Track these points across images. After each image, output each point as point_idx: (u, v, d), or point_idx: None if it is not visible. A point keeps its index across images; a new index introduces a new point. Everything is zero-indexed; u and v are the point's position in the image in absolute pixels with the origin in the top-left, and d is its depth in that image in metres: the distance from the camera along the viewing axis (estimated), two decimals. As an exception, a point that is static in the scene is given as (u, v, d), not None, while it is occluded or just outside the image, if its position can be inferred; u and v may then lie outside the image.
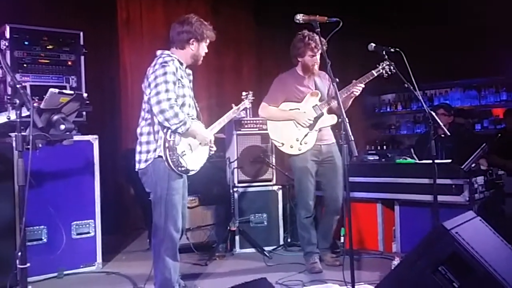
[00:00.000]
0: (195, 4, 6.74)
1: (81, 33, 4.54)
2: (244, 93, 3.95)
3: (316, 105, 4.20)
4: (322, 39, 4.00)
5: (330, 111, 4.25)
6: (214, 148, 3.55)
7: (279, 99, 4.27)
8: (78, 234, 4.29)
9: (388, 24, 7.30)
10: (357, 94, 4.14)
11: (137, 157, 3.35)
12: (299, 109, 4.22)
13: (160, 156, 3.22)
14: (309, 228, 4.29)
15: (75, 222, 4.28)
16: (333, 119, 4.19)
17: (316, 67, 4.21)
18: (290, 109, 4.24)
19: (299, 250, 4.59)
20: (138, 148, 3.35)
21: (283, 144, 4.25)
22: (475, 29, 6.73)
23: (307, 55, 4.17)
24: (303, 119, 4.16)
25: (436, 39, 7.20)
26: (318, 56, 4.15)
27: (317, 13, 3.26)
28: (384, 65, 4.02)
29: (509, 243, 3.03)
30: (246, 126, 5.07)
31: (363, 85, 4.10)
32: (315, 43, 4.06)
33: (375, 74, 4.08)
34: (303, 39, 4.14)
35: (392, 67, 3.97)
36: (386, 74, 4.07)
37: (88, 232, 4.34)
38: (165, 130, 3.20)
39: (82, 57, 4.51)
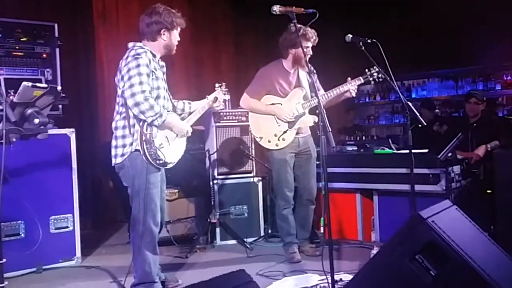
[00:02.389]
0: (171, -7, 6.67)
1: (56, 25, 4.48)
2: (217, 85, 3.87)
3: (299, 103, 4.20)
4: (312, 30, 4.03)
5: (311, 111, 4.26)
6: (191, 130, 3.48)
7: (261, 92, 4.25)
8: (56, 228, 4.24)
9: (365, 15, 7.33)
10: (350, 96, 4.16)
11: (113, 152, 3.31)
12: (281, 104, 4.21)
13: (137, 150, 3.19)
14: (288, 219, 4.31)
15: (53, 217, 4.23)
16: (313, 120, 4.19)
17: (307, 58, 4.16)
18: (272, 103, 4.23)
19: (280, 241, 4.61)
20: (113, 143, 3.30)
21: (261, 138, 4.27)
22: (451, 19, 6.78)
23: (302, 46, 4.14)
24: (283, 115, 4.17)
25: (413, 30, 7.25)
26: (309, 48, 4.13)
27: (293, 5, 3.25)
28: (373, 71, 4.04)
29: (485, 232, 3.09)
30: (225, 118, 5.06)
31: (353, 88, 4.11)
32: (304, 34, 4.04)
33: (362, 81, 4.12)
34: (298, 30, 4.10)
35: (380, 74, 3.98)
36: (373, 82, 4.11)
37: (67, 227, 4.30)
38: (141, 123, 3.16)
39: (57, 49, 4.46)
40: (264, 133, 4.25)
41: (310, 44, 4.12)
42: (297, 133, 4.24)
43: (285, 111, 4.18)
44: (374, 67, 3.97)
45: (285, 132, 4.20)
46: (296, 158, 4.31)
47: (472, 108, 5.15)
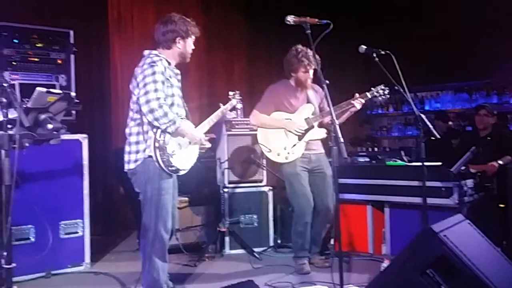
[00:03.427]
0: (186, 4, 6.72)
1: (71, 32, 4.51)
2: (231, 93, 3.92)
3: (309, 117, 4.23)
4: (316, 56, 4.04)
5: (320, 125, 4.28)
6: (208, 145, 3.52)
7: (271, 108, 4.29)
8: (66, 234, 4.25)
9: (380, 26, 7.32)
10: (355, 110, 4.16)
11: (126, 158, 3.33)
12: (291, 119, 4.24)
13: (150, 156, 3.20)
14: (304, 235, 4.27)
15: (63, 222, 4.24)
16: (322, 133, 4.22)
17: (309, 81, 4.21)
18: (282, 118, 4.26)
19: (289, 251, 4.59)
20: (127, 149, 3.33)
21: (270, 150, 4.28)
22: (466, 32, 6.75)
23: (300, 71, 4.19)
24: (294, 128, 4.19)
25: (427, 42, 7.23)
26: (311, 72, 4.15)
27: (307, 15, 3.25)
28: (379, 89, 4.07)
29: (497, 246, 3.05)
30: (237, 126, 5.06)
31: (359, 104, 4.11)
32: (308, 60, 4.07)
33: (369, 96, 4.14)
34: (297, 56, 4.15)
35: (386, 92, 4.01)
36: (380, 98, 4.14)
37: (77, 232, 4.31)
38: (154, 130, 3.18)
39: (72, 56, 4.48)
40: (274, 146, 4.26)
41: (308, 69, 4.12)
42: (309, 149, 4.25)
43: (296, 124, 4.19)
44: (382, 85, 3.97)
45: (294, 145, 4.21)
46: (310, 176, 4.30)
47: (482, 119, 5.10)
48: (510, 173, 4.19)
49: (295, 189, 4.25)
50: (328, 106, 3.22)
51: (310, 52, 4.04)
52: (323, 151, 4.35)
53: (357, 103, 4.11)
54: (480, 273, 2.42)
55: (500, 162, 4.77)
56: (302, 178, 4.24)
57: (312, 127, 4.22)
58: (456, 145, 5.84)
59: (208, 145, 3.52)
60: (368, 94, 4.15)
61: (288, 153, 4.21)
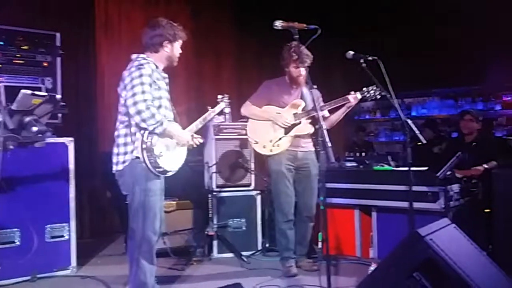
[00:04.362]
0: (175, 8, 6.72)
1: (58, 34, 4.48)
2: (220, 96, 3.94)
3: (297, 112, 4.24)
4: (308, 52, 4.06)
5: (313, 123, 4.27)
6: (199, 141, 3.54)
7: (263, 101, 4.33)
8: (52, 237, 4.21)
9: (368, 33, 7.37)
10: (350, 105, 4.17)
11: (114, 159, 3.34)
12: (280, 113, 4.26)
13: (137, 157, 3.22)
14: (287, 234, 4.29)
15: (49, 226, 4.20)
16: (309, 128, 4.22)
17: (302, 79, 4.21)
18: (271, 111, 4.29)
19: (277, 255, 4.58)
20: (115, 150, 3.34)
21: (257, 142, 4.32)
22: (453, 40, 6.83)
23: (291, 67, 4.21)
24: (281, 121, 4.21)
25: (414, 48, 7.29)
26: (302, 69, 4.16)
27: (296, 20, 3.27)
28: (370, 89, 4.07)
29: (483, 250, 3.07)
30: (225, 131, 5.06)
31: (354, 99, 4.14)
32: (297, 56, 4.08)
33: (359, 97, 4.15)
34: (289, 50, 4.16)
35: (378, 93, 4.02)
36: (370, 99, 4.15)
37: (63, 236, 4.27)
38: (142, 132, 3.20)
39: (59, 59, 4.45)
40: (260, 138, 4.30)
41: (298, 65, 4.13)
42: (296, 146, 4.26)
43: (282, 117, 4.21)
44: (374, 85, 3.97)
45: (280, 139, 4.23)
46: (296, 173, 4.32)
47: (466, 125, 5.15)
48: (495, 178, 4.23)
49: (278, 187, 4.28)
50: (315, 109, 3.24)
51: (303, 49, 4.05)
52: (312, 149, 4.35)
53: (352, 97, 4.12)
54: (466, 277, 2.44)
55: (486, 166, 4.81)
56: (286, 176, 4.26)
57: (299, 122, 4.24)
58: (440, 151, 5.89)
59: (198, 142, 3.54)
60: (359, 93, 4.14)
61: (273, 146, 4.24)
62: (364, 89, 4.11)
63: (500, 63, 6.65)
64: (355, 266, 4.52)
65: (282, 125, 4.22)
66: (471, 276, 2.45)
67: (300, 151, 4.29)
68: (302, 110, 4.25)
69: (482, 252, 2.99)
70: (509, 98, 7.21)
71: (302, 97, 4.31)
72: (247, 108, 4.36)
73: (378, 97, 4.08)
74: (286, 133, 4.24)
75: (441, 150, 6.09)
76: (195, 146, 3.55)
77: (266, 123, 4.29)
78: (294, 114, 4.25)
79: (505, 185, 4.15)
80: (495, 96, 7.33)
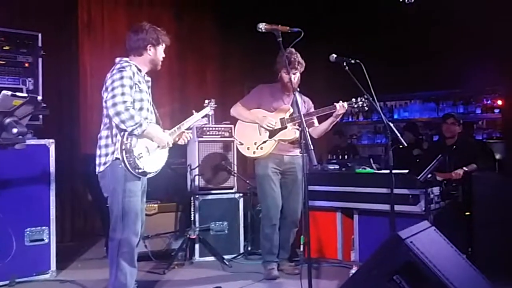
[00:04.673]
0: (158, 10, 6.68)
1: (40, 35, 4.44)
2: (206, 101, 3.95)
3: (284, 118, 4.25)
4: (301, 59, 4.07)
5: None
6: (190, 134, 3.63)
7: (253, 104, 4.35)
8: (31, 241, 4.16)
9: (351, 35, 7.41)
10: (338, 114, 4.17)
11: (97, 161, 3.37)
12: (266, 116, 4.28)
13: (117, 159, 3.24)
14: (272, 238, 4.29)
15: (28, 229, 4.15)
16: (295, 134, 4.21)
17: (292, 85, 4.13)
18: (258, 114, 4.30)
19: (259, 258, 4.59)
20: (97, 152, 3.38)
21: (242, 144, 4.34)
22: (435, 43, 6.90)
23: (282, 72, 4.21)
24: (266, 122, 4.22)
25: (396, 51, 7.35)
26: (293, 76, 4.16)
27: (279, 23, 3.28)
28: (359, 100, 4.06)
29: (462, 254, 3.11)
30: (208, 133, 5.05)
31: (342, 108, 4.13)
32: (289, 62, 4.08)
33: (346, 107, 4.13)
34: (281, 55, 4.13)
35: (366, 104, 4.02)
36: (357, 109, 4.15)
37: (42, 239, 4.22)
38: (122, 133, 3.22)
39: (40, 59, 4.41)
40: (245, 140, 4.32)
41: (288, 71, 4.12)
42: (283, 150, 4.28)
43: (267, 119, 4.23)
44: (364, 96, 3.97)
45: (264, 142, 4.24)
46: (282, 177, 4.33)
47: (449, 128, 5.21)
48: (475, 181, 4.29)
49: (264, 191, 4.28)
50: (299, 112, 3.26)
51: (296, 56, 4.11)
52: (299, 154, 4.35)
53: (340, 105, 4.11)
54: (446, 280, 2.47)
55: (465, 169, 4.87)
56: (272, 180, 4.27)
57: (285, 127, 4.25)
58: (420, 153, 5.95)
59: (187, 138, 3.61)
60: (346, 103, 4.12)
61: (257, 148, 4.25)
62: (353, 99, 4.10)
63: (480, 67, 6.74)
64: (337, 269, 4.53)
65: (266, 127, 4.23)
66: (450, 279, 2.47)
67: (286, 155, 4.30)
68: (290, 115, 4.26)
69: (461, 255, 3.02)
70: (489, 102, 7.30)
71: (293, 104, 4.32)
72: (236, 109, 4.39)
73: (366, 109, 4.08)
74: (270, 136, 4.25)
75: (421, 152, 6.15)
76: (182, 143, 3.62)
77: (252, 125, 4.31)
78: (281, 119, 4.26)
79: (485, 188, 4.21)
80: (476, 100, 7.40)
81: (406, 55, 7.23)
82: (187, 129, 3.65)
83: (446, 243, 3.00)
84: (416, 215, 4.15)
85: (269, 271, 4.21)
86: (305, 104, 4.43)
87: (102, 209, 4.33)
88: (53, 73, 5.44)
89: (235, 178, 5.12)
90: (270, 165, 4.26)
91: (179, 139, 3.62)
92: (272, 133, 4.25)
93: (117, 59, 3.41)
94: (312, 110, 4.39)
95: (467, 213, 4.42)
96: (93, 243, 5.54)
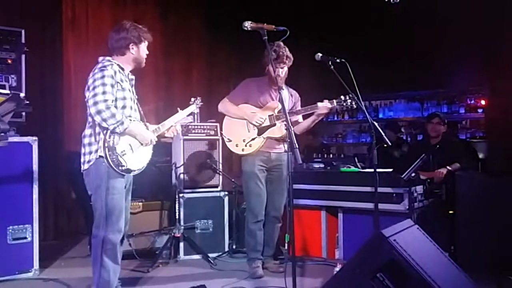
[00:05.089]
0: (143, 7, 6.63)
1: (23, 31, 4.39)
2: (192, 99, 3.94)
3: (272, 114, 4.25)
4: (289, 53, 4.07)
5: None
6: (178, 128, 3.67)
7: (241, 100, 4.34)
8: (14, 239, 4.11)
9: (336, 35, 7.44)
10: (320, 113, 4.18)
11: (82, 159, 3.38)
12: (255, 112, 4.27)
13: (101, 156, 3.25)
14: (256, 234, 4.30)
15: (11, 227, 4.10)
16: (283, 131, 4.21)
17: (280, 80, 4.15)
18: (247, 110, 4.30)
19: (244, 256, 4.59)
20: (82, 150, 3.39)
21: (230, 140, 4.33)
22: (420, 43, 6.95)
23: (269, 65, 4.20)
24: (254, 119, 4.22)
25: (381, 51, 7.39)
26: (280, 70, 4.16)
27: (265, 22, 3.28)
28: (347, 98, 4.04)
29: (445, 252, 3.14)
30: (193, 131, 5.03)
31: (325, 108, 4.13)
32: (277, 56, 4.08)
33: (335, 104, 4.12)
34: (269, 49, 4.12)
35: (353, 103, 4.01)
36: (345, 108, 4.15)
37: (25, 238, 4.17)
38: (104, 131, 3.25)
39: (23, 56, 4.36)
40: (234, 137, 4.31)
41: (275, 65, 4.12)
42: (270, 148, 4.28)
43: (256, 116, 4.22)
44: (349, 95, 3.97)
45: (253, 139, 4.24)
46: (268, 174, 4.33)
47: (434, 127, 5.26)
48: (459, 180, 4.33)
49: (250, 187, 4.29)
50: (284, 111, 3.26)
51: (284, 50, 4.10)
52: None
53: (323, 105, 4.11)
54: (428, 277, 2.49)
55: (449, 168, 4.92)
56: (259, 177, 4.27)
57: (274, 124, 4.25)
58: (406, 153, 5.99)
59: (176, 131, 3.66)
60: (334, 101, 4.11)
61: (245, 145, 4.24)
62: (342, 97, 4.07)
63: (464, 68, 6.81)
64: (321, 267, 4.55)
65: (255, 124, 4.23)
66: (432, 277, 2.50)
67: (274, 152, 4.30)
68: (278, 112, 4.26)
69: (444, 253, 3.05)
70: (473, 102, 7.39)
71: (280, 99, 4.30)
72: (224, 105, 4.37)
73: (354, 107, 4.08)
74: (259, 134, 4.25)
75: (402, 153, 6.19)
76: (171, 135, 3.66)
77: (241, 122, 4.30)
78: (269, 115, 4.26)
79: (468, 187, 4.25)
80: (460, 100, 7.49)
81: (391, 55, 7.29)
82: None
83: (429, 241, 3.02)
84: (399, 214, 4.18)
85: (254, 270, 4.21)
86: (292, 97, 4.41)
87: (85, 207, 4.30)
88: (37, 70, 5.40)
89: (220, 176, 5.11)
90: (257, 163, 4.26)
91: (167, 131, 3.63)
92: (261, 130, 4.24)
93: (100, 58, 3.42)
94: (299, 103, 4.39)
95: (450, 212, 4.46)
96: (76, 241, 5.50)
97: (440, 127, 5.24)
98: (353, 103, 4.02)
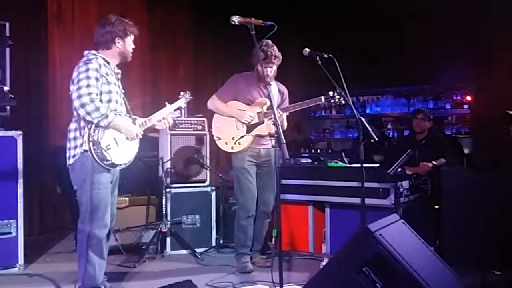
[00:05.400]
0: (130, 1, 6.55)
1: (7, 24, 4.34)
2: (182, 93, 3.91)
3: (261, 112, 4.24)
4: (278, 53, 4.06)
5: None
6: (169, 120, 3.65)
7: (229, 97, 4.32)
8: (-2, 234, 4.08)
9: (324, 30, 7.45)
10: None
11: (67, 154, 3.37)
12: (244, 110, 4.26)
13: (86, 151, 3.24)
14: (247, 229, 4.30)
15: (-5, 222, 4.07)
16: (271, 128, 4.20)
17: (268, 79, 4.10)
18: (237, 108, 4.28)
19: (231, 251, 4.59)
20: (67, 145, 3.37)
21: (220, 138, 4.31)
22: (406, 40, 6.99)
23: (258, 64, 4.19)
24: (243, 117, 4.21)
25: (369, 47, 7.42)
26: (269, 70, 4.15)
27: (253, 16, 3.27)
28: (335, 94, 4.04)
29: (430, 246, 3.17)
30: (180, 126, 5.01)
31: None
32: (265, 55, 4.08)
33: (323, 101, 4.12)
34: (258, 48, 4.09)
35: (342, 99, 4.01)
36: (334, 104, 4.15)
37: (10, 233, 4.14)
38: (89, 125, 3.23)
39: (8, 49, 4.31)
40: (223, 135, 4.30)
41: (263, 64, 4.09)
42: (260, 144, 4.28)
43: (246, 114, 4.22)
44: (337, 90, 3.97)
45: (242, 137, 4.23)
46: (258, 169, 4.34)
47: (419, 123, 5.29)
48: (444, 175, 4.37)
49: (241, 183, 4.28)
50: (272, 108, 3.26)
51: (273, 49, 4.10)
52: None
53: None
54: (414, 271, 2.51)
55: (434, 163, 4.95)
56: (249, 172, 4.27)
57: (262, 122, 4.24)
58: (392, 148, 6.03)
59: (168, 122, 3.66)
60: (322, 98, 4.10)
61: (235, 143, 4.24)
62: (330, 93, 4.07)
63: (451, 64, 6.87)
64: (308, 261, 4.57)
65: (244, 122, 4.22)
66: (418, 271, 2.52)
67: (263, 148, 4.30)
68: (267, 109, 4.25)
69: (429, 248, 3.08)
70: (459, 98, 7.45)
71: (269, 96, 4.29)
72: (213, 102, 4.35)
73: (343, 102, 4.07)
74: (248, 132, 4.24)
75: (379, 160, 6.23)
76: (163, 127, 3.66)
77: (230, 119, 4.29)
78: (258, 113, 4.25)
79: (453, 182, 4.30)
80: (446, 96, 7.55)
81: (378, 51, 7.32)
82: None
83: (414, 236, 3.05)
84: (386, 208, 4.21)
85: (244, 265, 4.21)
86: (281, 93, 4.40)
87: (71, 202, 4.27)
88: (21, 64, 5.34)
89: (208, 171, 5.10)
90: (247, 158, 4.26)
91: (159, 123, 3.62)
92: (250, 128, 4.24)
93: (85, 52, 3.40)
94: (287, 99, 4.38)
95: (435, 207, 4.50)
96: (62, 236, 5.47)
97: (424, 123, 5.28)
98: (341, 99, 4.02)
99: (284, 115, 4.29)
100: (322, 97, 4.12)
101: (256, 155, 4.29)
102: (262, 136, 4.27)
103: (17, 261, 4.17)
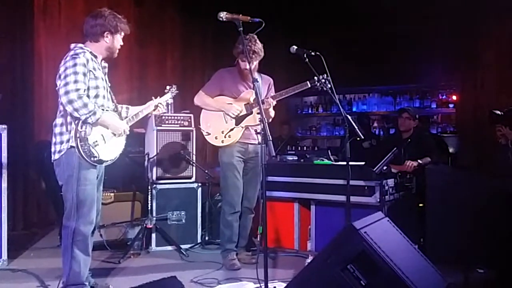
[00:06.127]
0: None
1: (-8, 17, 4.28)
2: (168, 87, 3.89)
3: (248, 103, 4.24)
4: (257, 48, 4.04)
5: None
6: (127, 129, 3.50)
7: (215, 91, 4.31)
8: (-19, 229, 4.04)
9: (312, 29, 7.47)
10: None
11: (52, 148, 3.33)
12: (231, 103, 4.26)
13: (72, 147, 3.21)
14: (232, 225, 4.30)
15: (-22, 217, 4.02)
16: (257, 120, 4.19)
17: (247, 73, 4.10)
18: (223, 102, 4.28)
19: (217, 248, 4.59)
20: (53, 140, 3.34)
21: (209, 133, 4.30)
22: (393, 39, 7.03)
23: (239, 58, 4.18)
24: (231, 110, 4.21)
25: (356, 45, 7.46)
26: (247, 64, 4.11)
27: (240, 13, 3.27)
28: (321, 78, 3.99)
29: (414, 244, 3.20)
30: (167, 122, 4.99)
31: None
32: (246, 50, 4.04)
33: (309, 85, 4.09)
34: (240, 42, 4.06)
35: (328, 84, 3.95)
36: (320, 88, 4.11)
37: (-7, 228, 4.10)
38: (76, 121, 3.19)
39: (-8, 42, 4.26)
40: (212, 130, 4.29)
41: (243, 58, 4.09)
42: (248, 139, 4.28)
43: (233, 107, 4.22)
44: (322, 76, 3.96)
45: (232, 129, 4.23)
46: (245, 165, 4.34)
47: (404, 122, 5.33)
48: (429, 174, 4.41)
49: (227, 179, 4.28)
50: (258, 103, 3.27)
51: (255, 46, 4.06)
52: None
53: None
54: (398, 269, 2.54)
55: (420, 161, 4.99)
56: (237, 169, 4.27)
57: (251, 113, 4.24)
58: (377, 147, 6.07)
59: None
60: (308, 82, 4.05)
61: (225, 136, 4.23)
62: (315, 78, 3.98)
63: (436, 63, 6.94)
64: (293, 258, 4.59)
65: (232, 115, 4.22)
66: (402, 269, 2.55)
67: (251, 143, 4.30)
68: (254, 100, 4.24)
69: (413, 245, 3.11)
70: (444, 97, 7.52)
71: (255, 89, 4.28)
72: (200, 98, 4.34)
73: (328, 86, 4.02)
74: (237, 124, 4.24)
75: (371, 145, 6.27)
76: (158, 113, 3.69)
77: (218, 114, 4.28)
78: (245, 104, 4.25)
79: (438, 180, 4.34)
80: (431, 95, 7.62)
81: (365, 50, 7.36)
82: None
83: (398, 234, 3.08)
84: (371, 206, 4.24)
85: (232, 262, 4.20)
86: (265, 85, 4.38)
87: (56, 197, 4.24)
88: (6, 56, 5.27)
89: (194, 167, 5.09)
90: (235, 154, 4.26)
91: (154, 110, 3.64)
92: (239, 119, 4.23)
93: (72, 45, 3.34)
94: (273, 89, 4.37)
95: (420, 205, 4.54)
96: (46, 232, 5.42)
97: (409, 121, 5.31)
98: (327, 83, 3.96)
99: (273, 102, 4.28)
100: (308, 82, 4.09)
101: (244, 151, 4.29)
102: (251, 129, 4.26)
103: (0, 256, 4.13)
